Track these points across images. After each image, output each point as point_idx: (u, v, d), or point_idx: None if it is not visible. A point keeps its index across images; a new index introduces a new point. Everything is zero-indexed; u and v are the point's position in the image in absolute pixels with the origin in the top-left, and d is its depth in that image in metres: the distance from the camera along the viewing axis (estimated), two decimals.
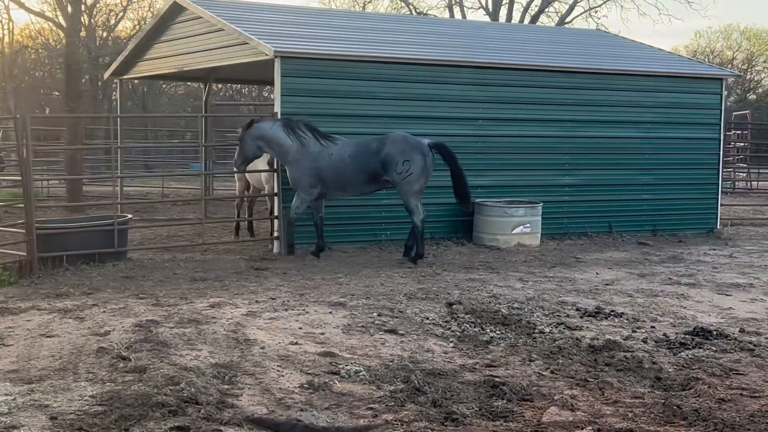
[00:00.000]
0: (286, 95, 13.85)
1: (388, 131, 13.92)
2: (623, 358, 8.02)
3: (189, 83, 46.96)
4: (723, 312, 10.22)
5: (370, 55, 14.73)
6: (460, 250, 14.65)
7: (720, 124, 17.77)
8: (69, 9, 22.68)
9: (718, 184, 17.90)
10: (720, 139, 17.81)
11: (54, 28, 41.57)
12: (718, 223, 17.88)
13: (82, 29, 28.88)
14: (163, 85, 47.42)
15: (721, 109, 17.83)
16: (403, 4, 37.80)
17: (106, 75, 20.30)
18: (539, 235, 15.27)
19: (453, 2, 34.99)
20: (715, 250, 15.38)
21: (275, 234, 14.12)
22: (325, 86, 14.24)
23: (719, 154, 17.85)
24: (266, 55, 13.81)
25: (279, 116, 13.67)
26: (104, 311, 9.35)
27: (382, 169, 12.99)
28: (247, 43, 14.40)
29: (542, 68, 16.19)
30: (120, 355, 7.56)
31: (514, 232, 14.92)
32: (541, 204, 15.37)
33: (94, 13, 42.17)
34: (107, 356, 7.55)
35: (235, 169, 14.53)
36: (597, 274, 12.59)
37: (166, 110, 47.57)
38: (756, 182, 30.21)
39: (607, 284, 11.73)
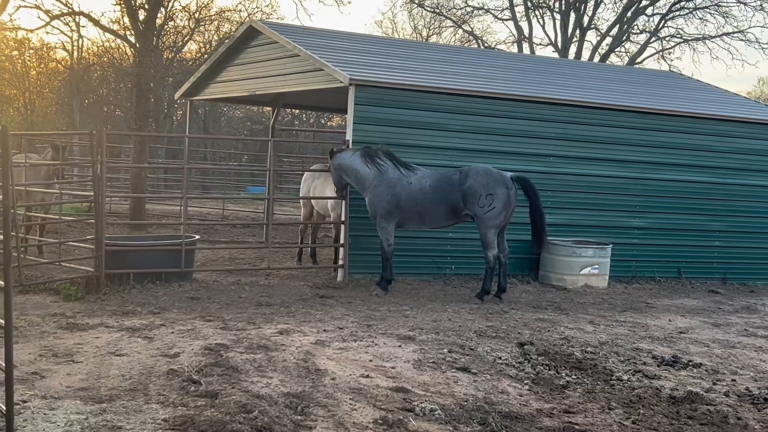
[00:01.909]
0: (358, 123, 13.77)
1: (459, 164, 13.80)
2: (706, 412, 7.70)
3: (248, 107, 47.55)
4: None
5: (444, 87, 14.60)
6: (526, 288, 14.39)
7: None
8: (141, 28, 22.92)
9: None
10: None
11: (121, 46, 42.34)
12: None
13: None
14: (225, 108, 47.85)
15: None
16: (470, 38, 37.82)
17: (177, 95, 20.44)
18: (607, 278, 14.95)
19: (522, 38, 34.83)
20: None
21: (339, 262, 13.98)
22: (397, 116, 14.14)
23: None
24: (341, 82, 13.76)
25: (350, 144, 13.60)
26: (172, 332, 9.28)
27: (463, 203, 12.78)
28: (321, 70, 14.37)
29: (616, 107, 15.93)
30: (191, 378, 7.46)
31: (582, 272, 14.62)
32: (611, 245, 15.06)
33: (162, 34, 42.75)
34: (178, 379, 7.45)
35: (307, 188, 14.79)
36: (670, 321, 12.24)
37: (225, 132, 47.98)
38: None
39: (681, 332, 11.38)
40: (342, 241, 13.91)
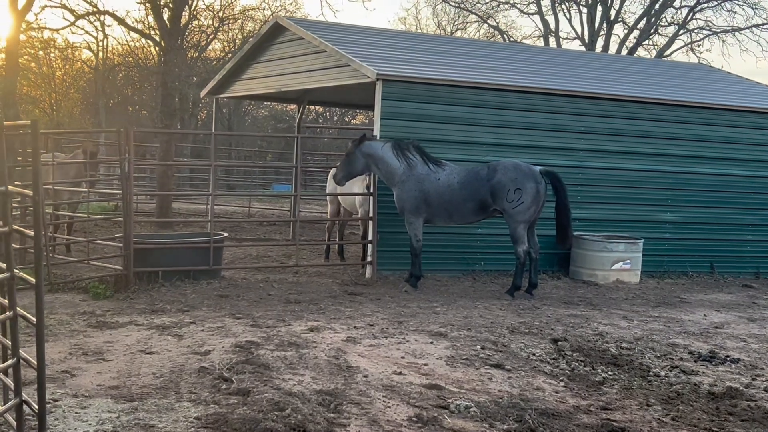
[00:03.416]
0: (386, 118, 13.65)
1: (486, 159, 13.65)
2: (747, 408, 7.52)
3: (272, 106, 47.56)
4: None
5: (471, 81, 14.46)
6: (557, 284, 14.23)
7: None
8: (168, 26, 22.92)
9: None
10: None
11: (146, 46, 42.49)
12: None
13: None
14: (249, 106, 47.89)
15: None
16: (495, 33, 37.60)
17: (203, 93, 20.41)
18: (639, 273, 14.75)
19: (549, 32, 34.57)
20: None
21: (368, 258, 13.88)
22: (425, 111, 14.02)
23: None
24: (368, 77, 13.65)
25: (379, 138, 13.49)
26: (202, 330, 9.22)
27: (492, 198, 12.63)
28: (348, 65, 14.27)
29: (646, 100, 15.71)
30: (222, 376, 7.38)
31: (613, 267, 14.44)
32: (642, 240, 14.86)
33: (186, 33, 42.85)
34: (209, 376, 7.38)
35: (334, 185, 14.47)
36: (705, 316, 12.05)
37: (250, 131, 48.00)
38: None
39: (716, 327, 11.19)
40: (370, 237, 13.80)
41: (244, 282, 12.89)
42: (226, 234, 13.89)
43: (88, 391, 6.87)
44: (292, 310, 10.78)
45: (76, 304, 10.71)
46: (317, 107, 41.66)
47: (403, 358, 8.45)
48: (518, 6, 36.29)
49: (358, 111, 46.71)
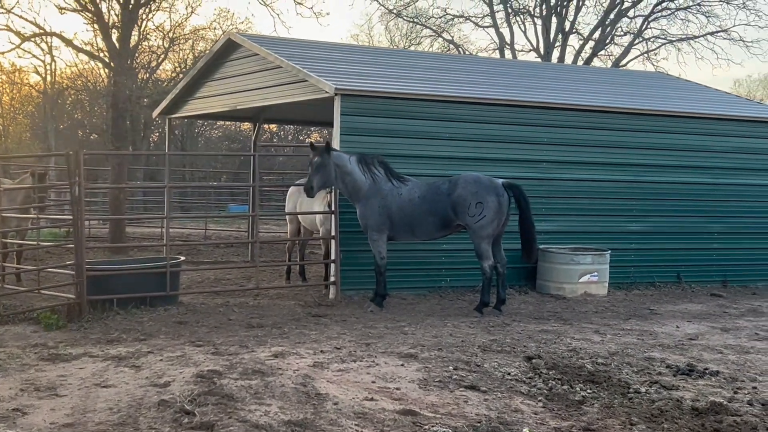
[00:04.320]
0: (346, 134, 13.30)
1: (449, 173, 13.38)
2: (733, 423, 7.24)
3: (225, 126, 46.97)
4: None
5: (431, 94, 14.18)
6: (525, 298, 13.96)
7: None
8: (117, 46, 22.40)
9: None
10: None
11: (96, 69, 41.74)
12: None
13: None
14: (201, 127, 47.30)
15: None
16: (450, 47, 37.46)
17: (156, 113, 19.89)
18: (607, 285, 14.53)
19: (504, 45, 34.53)
20: None
21: (331, 278, 13.48)
22: (386, 125, 13.70)
23: None
24: (326, 92, 13.29)
25: None
26: (161, 359, 8.75)
27: (453, 212, 12.32)
28: (305, 81, 13.90)
29: (607, 109, 15.55)
30: (183, 409, 6.93)
31: (581, 280, 14.20)
32: (609, 251, 14.65)
33: (136, 54, 42.18)
34: (170, 410, 6.93)
35: (293, 204, 14.09)
36: (677, 327, 11.83)
37: (204, 151, 47.36)
38: None
39: (691, 339, 10.97)
40: (333, 257, 13.41)
41: (203, 307, 12.43)
42: (183, 258, 13.42)
43: (40, 430, 6.42)
44: (254, 335, 10.35)
45: (27, 336, 10.18)
46: (271, 126, 41.17)
47: (373, 382, 8.06)
48: (473, 19, 36.30)
49: (312, 129, 46.32)
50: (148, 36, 39.97)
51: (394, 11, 37.21)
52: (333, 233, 13.37)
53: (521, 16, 35.07)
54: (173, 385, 7.67)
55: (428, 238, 12.94)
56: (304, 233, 15.17)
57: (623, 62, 34.35)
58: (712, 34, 33.86)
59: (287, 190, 15.71)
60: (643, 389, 8.25)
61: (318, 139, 47.57)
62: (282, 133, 47.55)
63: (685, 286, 15.68)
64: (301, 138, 47.56)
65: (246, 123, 43.75)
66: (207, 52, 21.52)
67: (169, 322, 11.09)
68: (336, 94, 13.16)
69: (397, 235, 12.68)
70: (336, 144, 13.29)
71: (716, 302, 14.41)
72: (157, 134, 46.16)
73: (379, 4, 36.95)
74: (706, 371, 9.09)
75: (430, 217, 12.43)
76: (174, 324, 11.01)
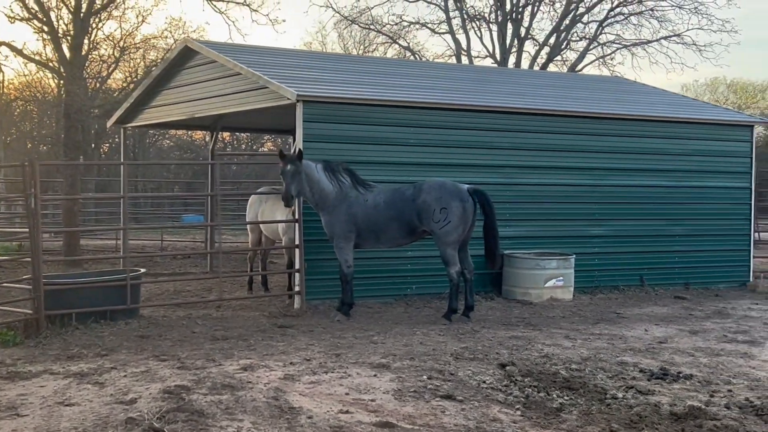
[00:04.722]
0: (308, 141, 13.06)
1: (414, 179, 13.21)
2: (713, 428, 7.16)
3: (177, 135, 46.39)
4: None
5: (395, 100, 14.03)
6: (491, 305, 13.85)
7: (751, 173, 17.13)
8: (68, 55, 21.97)
9: (750, 235, 17.21)
10: (751, 188, 17.15)
11: (46, 79, 40.96)
12: (751, 276, 17.13)
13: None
14: (153, 137, 46.69)
15: (751, 157, 17.17)
16: (406, 53, 37.39)
17: (110, 123, 19.46)
18: (572, 289, 14.48)
19: (461, 51, 34.52)
20: (757, 304, 14.63)
21: (296, 288, 13.24)
22: (349, 132, 13.51)
23: (750, 204, 17.17)
24: (288, 99, 13.06)
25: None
26: (125, 375, 8.46)
27: (418, 218, 12.18)
28: (265, 88, 13.65)
29: (570, 114, 15.52)
30: (152, 426, 6.68)
31: (546, 285, 14.13)
32: (574, 256, 14.61)
33: (86, 64, 41.49)
34: (138, 428, 6.67)
35: (254, 212, 14.01)
36: (646, 331, 11.79)
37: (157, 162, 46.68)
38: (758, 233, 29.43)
39: (660, 342, 10.93)
40: (297, 266, 13.18)
41: (165, 320, 12.12)
42: (143, 270, 13.09)
43: None
44: (220, 347, 10.09)
45: None
46: (224, 135, 40.75)
47: (347, 394, 7.85)
48: (429, 26, 36.26)
49: (266, 138, 45.95)
50: (98, 45, 39.38)
51: (350, 18, 37.05)
52: (297, 242, 13.14)
53: (477, 22, 35.14)
54: (140, 402, 7.40)
55: (393, 245, 12.79)
56: (266, 242, 14.92)
57: (579, 67, 34.54)
58: (666, 38, 34.25)
59: (245, 200, 15.44)
60: (620, 395, 8.16)
61: (272, 148, 47.20)
62: (235, 142, 47.13)
63: (648, 289, 15.70)
64: (255, 147, 47.17)
65: (198, 132, 43.66)
66: (161, 60, 21.19)
67: (130, 336, 10.79)
68: (298, 101, 12.93)
69: (362, 243, 12.50)
70: None
71: (681, 305, 14.43)
72: (107, 144, 45.44)
73: (335, 11, 36.73)
74: (680, 375, 9.04)
75: (395, 223, 12.28)
76: (136, 338, 10.71)
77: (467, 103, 14.76)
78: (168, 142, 50.11)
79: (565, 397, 8.03)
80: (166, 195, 34.99)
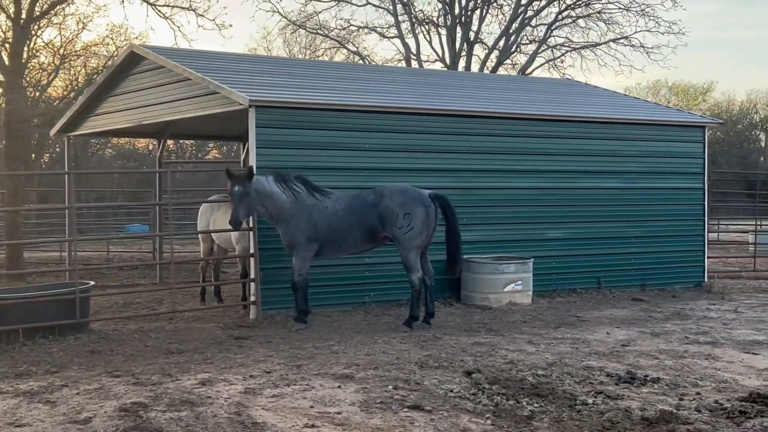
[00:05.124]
0: (262, 147, 12.76)
1: (371, 184, 13.03)
2: None
3: (120, 144, 45.60)
4: (762, 373, 9.39)
5: (350, 104, 13.78)
6: (451, 311, 13.66)
7: (703, 174, 17.21)
8: (7, 62, 21.36)
9: (704, 235, 17.28)
10: (704, 189, 17.22)
11: None
12: (706, 277, 17.19)
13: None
14: (95, 146, 45.85)
15: (704, 158, 17.26)
16: (355, 58, 37.15)
17: (53, 132, 18.92)
18: (530, 293, 14.36)
19: (410, 55, 34.38)
20: (715, 305, 14.66)
21: (251, 298, 12.92)
22: (303, 137, 13.24)
23: (704, 205, 17.24)
24: (240, 104, 12.74)
25: (255, 170, 12.57)
26: (77, 393, 8.09)
27: (380, 224, 11.94)
28: (216, 93, 13.31)
29: (524, 116, 15.42)
30: None
31: (505, 290, 13.99)
32: (532, 259, 14.49)
33: (26, 72, 40.61)
34: None
35: (206, 221, 13.66)
36: (608, 334, 11.70)
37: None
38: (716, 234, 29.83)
39: (623, 345, 10.83)
40: (252, 275, 12.86)
41: (117, 334, 11.72)
42: (92, 282, 12.67)
43: None
44: (175, 361, 9.74)
45: None
46: (168, 142, 40.04)
47: (312, 407, 7.59)
48: (378, 30, 36.07)
49: (211, 145, 45.39)
50: (37, 53, 38.57)
51: (297, 23, 36.68)
52: (252, 251, 12.81)
53: (426, 26, 35.05)
54: (95, 421, 7.07)
55: (354, 252, 12.55)
56: (219, 252, 14.57)
57: (529, 70, 34.66)
58: (614, 41, 34.50)
59: (191, 209, 15.06)
60: (590, 400, 8.01)
61: (217, 155, 46.61)
62: (179, 150, 46.46)
63: (605, 292, 15.66)
64: (200, 155, 46.56)
65: (142, 141, 42.92)
66: (104, 67, 20.66)
67: (81, 352, 10.38)
68: (250, 106, 12.62)
69: (323, 251, 12.21)
70: (252, 158, 12.77)
71: (640, 306, 14.39)
72: (48, 155, 44.49)
73: (282, 15, 36.30)
74: (647, 378, 8.93)
75: (357, 229, 12.03)
76: (87, 353, 10.30)
77: (422, 106, 14.59)
78: (110, 151, 49.26)
79: (535, 405, 7.86)
80: (114, 205, 34.20)
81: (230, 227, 13.20)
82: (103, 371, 9.17)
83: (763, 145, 66.55)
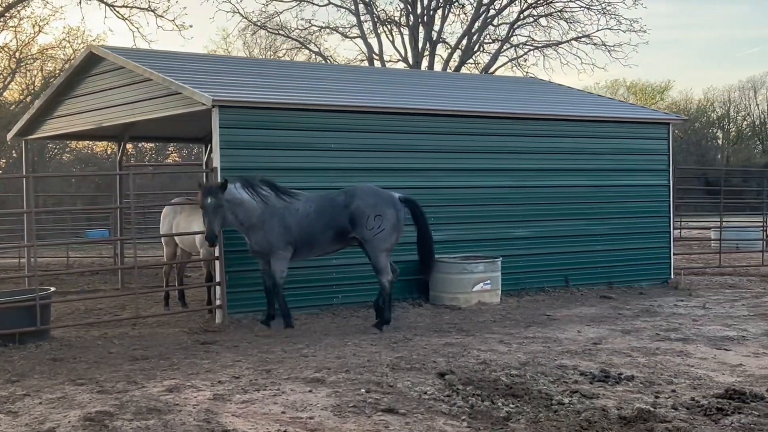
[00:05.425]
0: (226, 148, 12.53)
1: (338, 185, 12.88)
2: (665, 430, 6.96)
3: (78, 148, 44.91)
4: (735, 369, 9.36)
5: (314, 103, 13.61)
6: (420, 311, 13.53)
7: (668, 170, 17.23)
8: None
9: (670, 232, 17.30)
10: (669, 186, 17.24)
11: None
12: (672, 273, 17.23)
13: None
14: (53, 150, 45.17)
15: (669, 155, 17.28)
16: (317, 58, 36.94)
17: (9, 136, 18.48)
18: (499, 292, 14.27)
19: (373, 55, 34.25)
20: (683, 301, 14.69)
21: (217, 302, 12.68)
22: (269, 138, 13.03)
23: (669, 202, 17.27)
24: (203, 104, 12.50)
25: (219, 172, 12.35)
26: (40, 402, 7.83)
27: (351, 225, 11.79)
28: (179, 93, 13.05)
29: (490, 115, 15.34)
30: None
31: (474, 289, 13.89)
32: (501, 258, 14.41)
33: None
34: None
35: (169, 224, 13.39)
36: (579, 332, 11.63)
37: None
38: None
39: (595, 343, 10.76)
40: (217, 279, 12.62)
41: (79, 341, 11.42)
42: (53, 289, 12.36)
43: None
44: (141, 368, 9.49)
45: None
46: (128, 146, 39.48)
47: (284, 413, 7.40)
48: (340, 30, 35.91)
49: (171, 149, 44.90)
50: None
51: (258, 23, 36.39)
52: (216, 254, 12.58)
53: (389, 26, 34.99)
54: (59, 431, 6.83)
55: (324, 253, 12.44)
56: (182, 255, 14.30)
57: (492, 69, 34.70)
58: (576, 39, 34.66)
59: (151, 212, 14.78)
60: (565, 400, 7.90)
61: (177, 159, 46.09)
62: (138, 154, 45.91)
63: (573, 290, 15.62)
64: (159, 159, 46.05)
65: (100, 144, 42.27)
66: (61, 70, 20.29)
67: (43, 360, 10.09)
68: (214, 106, 12.39)
69: (296, 254, 12.03)
70: (216, 160, 12.54)
71: (608, 304, 14.37)
72: (5, 160, 43.78)
73: (242, 16, 35.99)
74: (622, 376, 8.85)
75: (328, 230, 11.92)
76: (49, 361, 10.01)
77: (388, 105, 14.44)
78: (68, 155, 48.58)
79: (511, 405, 7.73)
80: (75, 209, 33.61)
81: (194, 230, 13.04)
82: (66, 379, 8.91)
83: (720, 142, 67.42)
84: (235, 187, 11.68)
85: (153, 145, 41.98)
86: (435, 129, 14.64)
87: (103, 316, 13.76)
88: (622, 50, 37.46)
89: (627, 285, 16.37)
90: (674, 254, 17.89)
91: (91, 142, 41.41)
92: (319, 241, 11.96)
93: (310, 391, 8.11)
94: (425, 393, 8.06)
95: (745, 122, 68.75)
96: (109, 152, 42.87)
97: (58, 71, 36.32)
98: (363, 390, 8.09)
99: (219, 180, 12.01)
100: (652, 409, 7.53)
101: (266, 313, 12.08)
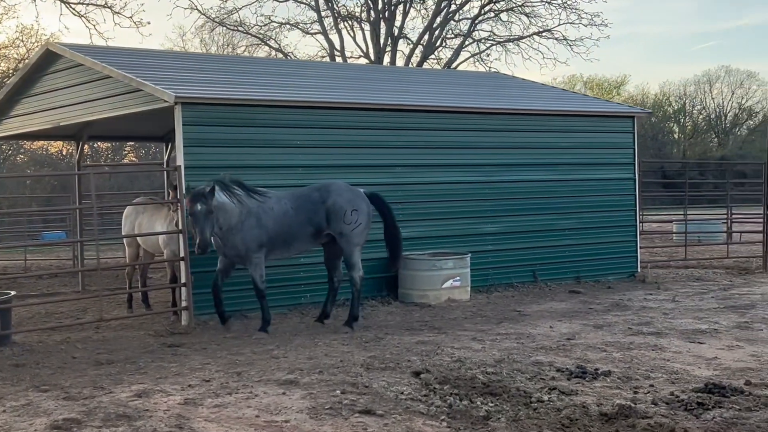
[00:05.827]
0: (189, 146, 12.25)
1: (304, 182, 12.72)
2: (648, 427, 6.89)
3: (32, 149, 44.11)
4: (711, 363, 9.32)
5: (280, 99, 13.38)
6: (389, 309, 13.37)
7: (634, 164, 17.23)
8: None
9: (636, 226, 17.30)
10: (635, 179, 17.24)
11: None
12: (639, 267, 17.23)
13: None
14: (8, 152, 44.36)
15: (634, 148, 17.28)
16: (277, 55, 36.61)
17: None
18: (469, 289, 14.15)
19: (334, 51, 34.01)
20: (652, 295, 14.68)
21: (183, 303, 12.39)
22: (233, 135, 12.78)
23: (635, 195, 17.26)
24: (165, 101, 12.21)
25: (182, 171, 12.06)
26: (3, 410, 7.55)
27: (327, 221, 11.67)
28: (140, 90, 12.74)
29: (455, 110, 15.22)
30: None
31: (444, 286, 13.75)
32: (470, 255, 14.28)
33: None
34: None
35: (131, 225, 13.37)
36: (551, 327, 11.54)
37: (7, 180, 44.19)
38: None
39: (569, 339, 10.67)
40: (183, 280, 12.33)
41: (41, 346, 11.11)
42: (13, 292, 12.00)
43: None
44: (107, 373, 9.21)
45: None
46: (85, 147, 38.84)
47: (258, 416, 7.19)
48: (301, 26, 35.61)
49: (127, 149, 44.29)
50: None
51: (217, 20, 35.99)
52: (181, 254, 12.30)
53: (350, 22, 34.76)
54: None
55: (300, 251, 12.32)
56: (145, 256, 13.99)
57: (454, 65, 34.62)
58: (538, 34, 34.71)
59: (110, 213, 14.44)
60: (545, 397, 7.79)
61: (133, 159, 45.47)
62: (94, 154, 45.21)
63: (542, 285, 15.56)
64: (116, 158, 45.40)
65: (55, 145, 41.57)
66: (14, 70, 19.83)
67: (4, 366, 9.77)
68: (176, 103, 12.11)
69: (272, 252, 11.79)
70: (179, 158, 12.25)
71: (578, 299, 14.32)
72: None
73: (200, 12, 35.53)
74: (598, 372, 8.77)
75: (306, 227, 11.77)
76: (11, 367, 9.70)
77: (353, 101, 14.28)
78: (22, 157, 47.73)
79: (490, 404, 7.60)
80: (33, 210, 32.93)
81: (158, 230, 12.76)
82: (30, 386, 8.61)
83: (676, 136, 68.08)
84: (217, 192, 11.30)
85: (110, 144, 41.32)
86: (401, 125, 14.49)
87: (65, 320, 13.42)
88: (583, 44, 37.73)
89: (595, 279, 16.34)
90: (642, 248, 17.90)
91: (46, 143, 40.75)
92: (298, 239, 11.77)
93: (284, 393, 7.91)
94: (402, 393, 7.90)
95: (701, 116, 69.53)
96: (64, 153, 42.21)
97: (11, 71, 35.62)
98: (338, 391, 7.90)
99: (183, 179, 11.75)
100: (632, 404, 7.46)
101: (263, 318, 11.74)
